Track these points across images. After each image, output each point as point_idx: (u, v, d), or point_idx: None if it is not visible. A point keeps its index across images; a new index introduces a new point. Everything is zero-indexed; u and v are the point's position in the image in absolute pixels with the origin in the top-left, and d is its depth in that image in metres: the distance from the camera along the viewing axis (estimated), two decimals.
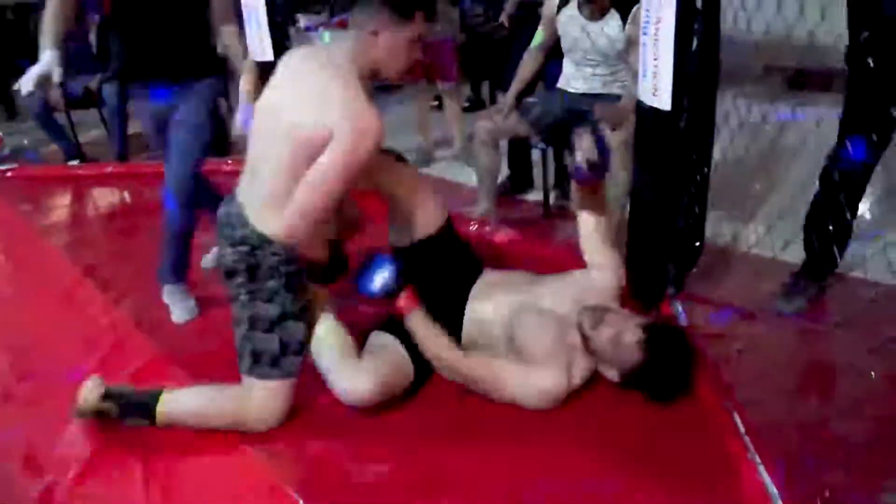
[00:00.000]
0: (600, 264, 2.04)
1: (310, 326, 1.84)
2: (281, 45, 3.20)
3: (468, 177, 3.50)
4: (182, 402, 1.78)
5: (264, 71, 1.99)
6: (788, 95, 4.24)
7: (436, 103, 4.82)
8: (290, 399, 1.80)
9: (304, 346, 1.81)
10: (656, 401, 1.81)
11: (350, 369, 1.82)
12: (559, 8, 2.80)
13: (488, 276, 2.08)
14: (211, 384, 1.83)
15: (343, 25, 5.52)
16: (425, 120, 4.29)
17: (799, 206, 2.36)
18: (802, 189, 2.38)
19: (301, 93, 1.68)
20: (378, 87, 6.19)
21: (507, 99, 2.94)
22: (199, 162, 2.32)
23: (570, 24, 2.75)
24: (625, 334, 1.78)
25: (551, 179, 3.33)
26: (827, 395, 2.01)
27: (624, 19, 2.62)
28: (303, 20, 4.94)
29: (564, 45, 2.85)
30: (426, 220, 2.03)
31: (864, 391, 1.88)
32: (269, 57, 3.14)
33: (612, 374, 1.84)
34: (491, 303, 1.98)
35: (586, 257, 2.08)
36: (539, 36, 2.93)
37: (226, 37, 2.34)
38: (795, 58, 4.40)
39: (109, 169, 4.27)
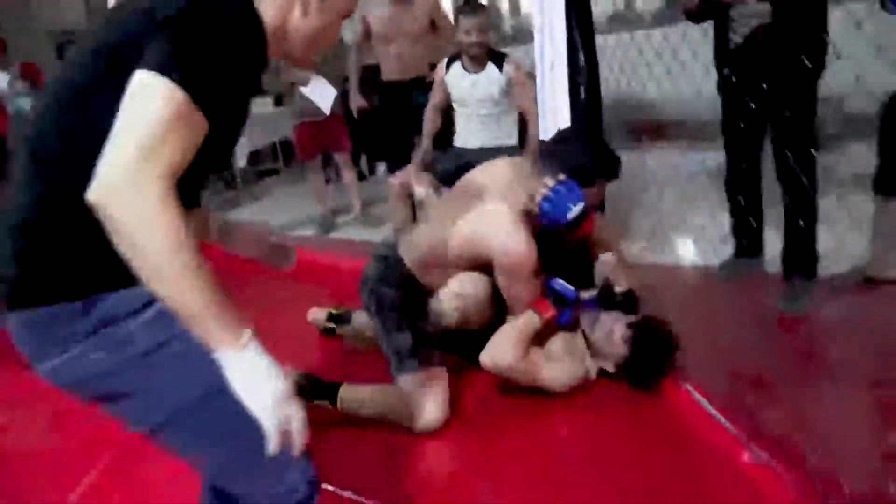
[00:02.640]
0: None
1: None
2: None
3: (371, 235, 3.91)
4: (360, 391, 2.04)
5: None
6: (632, 143, 5.03)
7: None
8: (445, 393, 2.02)
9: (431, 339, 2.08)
10: (640, 388, 2.10)
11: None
12: (447, 68, 3.34)
13: None
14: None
15: None
16: (322, 191, 4.62)
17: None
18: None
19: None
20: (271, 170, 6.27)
21: (423, 151, 3.37)
22: None
23: (458, 78, 3.29)
24: (615, 332, 2.12)
25: None
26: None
27: (499, 68, 3.19)
28: None
29: (455, 98, 3.36)
30: None
31: None
32: None
33: (609, 367, 2.16)
34: None
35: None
36: (434, 97, 3.44)
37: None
38: (630, 113, 5.27)
39: None
